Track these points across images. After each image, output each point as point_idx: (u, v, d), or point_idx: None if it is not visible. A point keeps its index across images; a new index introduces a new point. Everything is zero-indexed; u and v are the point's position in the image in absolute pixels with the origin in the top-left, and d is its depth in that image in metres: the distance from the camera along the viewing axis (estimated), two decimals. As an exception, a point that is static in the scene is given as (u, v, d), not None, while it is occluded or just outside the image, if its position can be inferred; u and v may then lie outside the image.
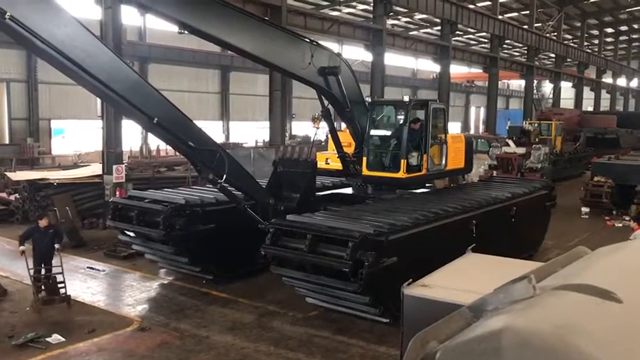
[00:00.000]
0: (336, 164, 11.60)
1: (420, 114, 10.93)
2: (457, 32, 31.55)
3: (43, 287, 8.79)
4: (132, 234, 10.26)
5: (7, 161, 22.29)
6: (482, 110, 52.77)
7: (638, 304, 2.66)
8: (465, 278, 5.01)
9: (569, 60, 44.61)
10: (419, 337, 2.68)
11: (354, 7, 38.99)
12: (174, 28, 8.54)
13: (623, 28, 52.66)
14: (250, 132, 35.41)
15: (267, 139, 23.59)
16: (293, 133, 34.02)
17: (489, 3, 34.73)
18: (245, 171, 9.47)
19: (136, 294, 9.84)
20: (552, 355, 2.14)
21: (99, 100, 14.62)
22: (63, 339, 7.70)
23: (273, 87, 19.40)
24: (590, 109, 48.43)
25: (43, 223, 9.25)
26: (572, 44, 46.67)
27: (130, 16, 20.73)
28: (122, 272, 11.16)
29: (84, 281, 10.41)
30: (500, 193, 11.18)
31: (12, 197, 15.88)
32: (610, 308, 2.52)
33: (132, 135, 25.33)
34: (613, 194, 17.70)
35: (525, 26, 36.91)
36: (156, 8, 8.01)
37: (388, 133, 11.25)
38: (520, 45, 43.00)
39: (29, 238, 9.18)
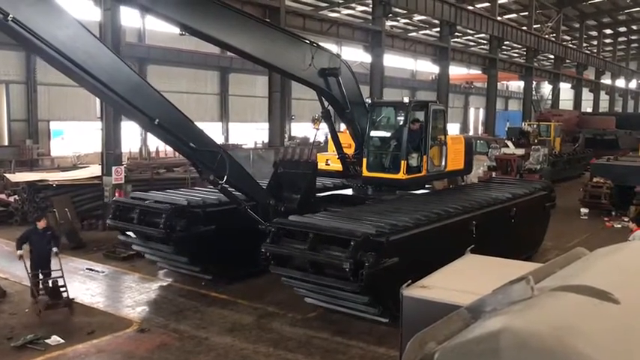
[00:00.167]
0: (337, 165, 11.62)
1: (420, 115, 10.95)
2: (456, 33, 31.58)
3: (45, 292, 8.71)
4: (132, 234, 10.27)
5: (7, 163, 22.26)
6: (482, 111, 52.80)
7: (636, 305, 2.67)
8: (464, 279, 5.02)
9: (568, 61, 44.65)
10: (417, 338, 2.69)
11: (353, 8, 39.01)
12: (173, 30, 8.56)
13: (622, 29, 52.72)
14: (249, 133, 35.40)
15: (266, 140, 23.58)
16: (292, 134, 34.00)
17: (488, 4, 34.76)
18: (246, 172, 9.48)
19: (135, 295, 9.84)
20: (550, 356, 2.15)
21: (98, 102, 14.61)
22: (62, 340, 7.69)
23: (272, 88, 19.40)
24: (589, 110, 48.48)
25: (41, 224, 9.24)
26: (571, 45, 46.71)
27: (129, 18, 20.78)
28: (121, 273, 11.16)
29: (83, 282, 10.41)
30: (500, 194, 11.20)
31: (11, 199, 15.86)
32: (608, 309, 2.53)
33: (131, 136, 25.32)
34: (612, 195, 17.73)
35: (524, 27, 36.96)
36: (156, 9, 8.03)
37: (388, 134, 11.27)
38: (519, 46, 43.04)
39: (27, 241, 9.15)
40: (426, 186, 11.92)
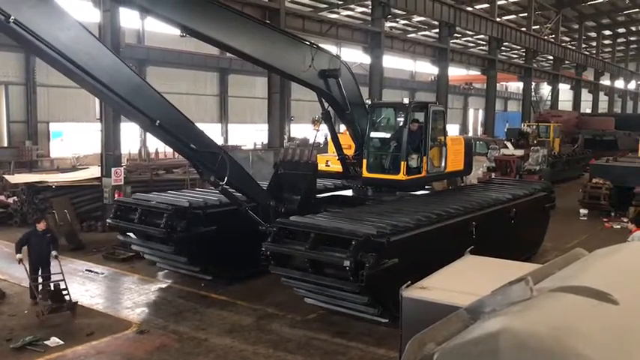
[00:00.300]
0: (337, 166, 11.65)
1: (420, 116, 10.97)
2: (455, 35, 31.58)
3: (47, 295, 8.63)
4: (132, 235, 10.28)
5: (6, 164, 22.26)
6: (481, 112, 52.82)
7: (635, 306, 2.67)
8: (464, 280, 5.02)
9: (567, 62, 44.67)
10: (416, 339, 2.69)
11: (352, 9, 39.02)
12: (173, 31, 8.57)
13: (621, 30, 52.76)
14: (249, 134, 35.40)
15: (265, 141, 23.58)
16: (292, 135, 34.01)
17: (487, 5, 34.78)
18: (246, 173, 9.50)
19: (134, 297, 9.83)
20: (549, 356, 2.15)
21: (97, 103, 14.63)
22: (61, 342, 7.69)
23: (271, 89, 19.40)
24: (589, 111, 48.55)
25: (40, 226, 9.24)
26: (570, 46, 46.74)
27: (129, 19, 20.79)
28: (121, 275, 11.16)
29: (82, 284, 10.40)
30: (500, 195, 11.22)
31: (10, 200, 15.87)
32: (607, 310, 2.53)
33: (130, 138, 25.32)
34: (611, 196, 17.74)
35: (523, 28, 36.97)
36: (156, 11, 8.03)
37: (388, 135, 11.28)
38: (518, 47, 43.05)
39: (26, 244, 9.13)
40: (426, 187, 11.93)
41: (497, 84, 39.34)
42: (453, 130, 49.47)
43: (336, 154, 11.47)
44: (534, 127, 28.65)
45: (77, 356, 7.37)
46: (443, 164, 11.38)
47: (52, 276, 8.95)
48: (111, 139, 14.59)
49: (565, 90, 47.71)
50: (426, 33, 45.02)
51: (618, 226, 16.11)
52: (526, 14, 38.50)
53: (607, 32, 52.76)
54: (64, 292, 8.71)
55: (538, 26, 40.37)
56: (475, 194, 11.30)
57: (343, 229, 7.67)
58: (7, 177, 17.07)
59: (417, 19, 40.98)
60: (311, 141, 22.72)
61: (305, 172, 10.09)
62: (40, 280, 9.00)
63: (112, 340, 7.89)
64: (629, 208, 16.63)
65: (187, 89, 33.40)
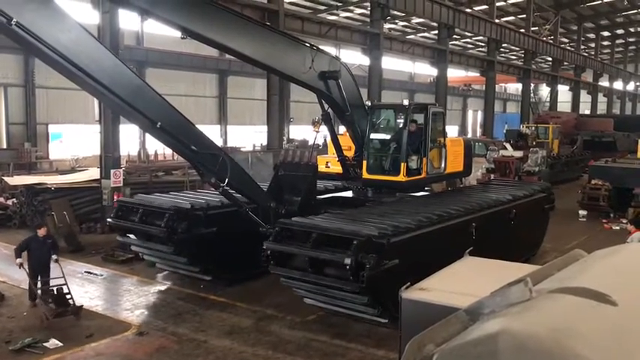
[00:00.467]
0: (337, 168, 11.66)
1: (420, 118, 10.98)
2: (454, 36, 31.57)
3: (50, 299, 8.59)
4: (132, 236, 10.27)
5: (5, 166, 22.25)
6: (480, 114, 52.85)
7: (634, 307, 2.68)
8: (463, 281, 5.02)
9: (565, 63, 44.71)
10: (416, 340, 2.69)
11: (351, 11, 39.06)
12: (172, 33, 8.57)
13: (620, 31, 52.83)
14: (248, 136, 35.40)
15: (265, 143, 23.58)
16: (291, 136, 34.00)
17: (486, 7, 34.79)
18: (247, 175, 9.52)
19: (133, 298, 9.83)
20: (548, 357, 2.15)
21: (97, 105, 14.62)
22: (60, 344, 7.69)
23: (270, 91, 19.39)
24: (587, 112, 48.58)
25: (41, 232, 9.20)
26: (568, 48, 46.78)
27: (128, 21, 20.79)
28: (120, 277, 11.15)
29: (82, 286, 10.39)
30: (500, 196, 11.25)
31: (9, 202, 15.85)
32: (605, 311, 2.53)
33: (130, 139, 25.30)
34: (610, 197, 17.75)
35: (522, 30, 37.00)
36: (156, 12, 8.02)
37: (388, 136, 11.30)
38: (517, 48, 43.08)
39: (26, 249, 9.09)
40: (425, 188, 11.94)
41: (496, 85, 39.36)
42: (452, 131, 49.45)
43: (336, 155, 11.49)
44: (533, 128, 28.69)
45: (76, 358, 7.37)
46: (443, 165, 11.39)
47: (54, 280, 8.89)
48: (110, 141, 14.58)
49: (564, 91, 47.77)
50: (425, 34, 45.07)
51: (617, 228, 16.13)
52: (525, 16, 38.56)
53: (606, 33, 52.83)
54: (68, 296, 8.68)
55: (537, 28, 40.41)
56: (475, 195, 11.32)
57: (345, 229, 7.69)
58: (6, 179, 17.06)
59: (415, 20, 41.01)
60: (310, 142, 22.68)
61: (305, 174, 10.11)
62: (40, 284, 8.95)
63: (112, 341, 7.89)
64: (628, 209, 16.65)
65: (186, 91, 33.40)
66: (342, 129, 12.67)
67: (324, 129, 11.55)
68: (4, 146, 26.27)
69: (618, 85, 56.86)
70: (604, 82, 53.35)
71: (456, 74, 47.22)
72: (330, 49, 21.76)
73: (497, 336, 2.29)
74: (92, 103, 16.69)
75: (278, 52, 9.60)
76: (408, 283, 4.89)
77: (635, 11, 44.81)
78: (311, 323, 8.62)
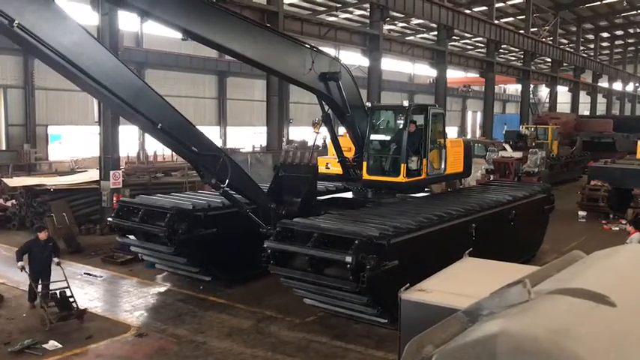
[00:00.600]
0: (337, 169, 11.67)
1: (420, 119, 10.99)
2: (453, 37, 31.58)
3: (54, 303, 8.54)
4: (132, 236, 10.27)
5: (4, 167, 22.24)
6: (479, 115, 52.89)
7: (632, 308, 2.68)
8: (462, 282, 5.03)
9: (565, 64, 44.74)
10: (415, 341, 2.70)
11: (350, 12, 39.07)
12: (171, 34, 8.57)
13: (619, 32, 52.87)
14: (247, 137, 35.41)
15: (264, 144, 23.58)
16: (290, 138, 34.01)
17: (485, 8, 34.81)
18: (247, 176, 9.54)
19: (133, 300, 9.82)
20: (547, 359, 2.16)
21: (96, 106, 14.62)
22: (60, 345, 7.68)
23: (270, 92, 19.40)
24: (587, 113, 48.61)
25: (42, 235, 9.16)
26: (568, 49, 46.80)
27: (127, 22, 20.76)
28: (119, 278, 11.14)
29: (81, 287, 10.37)
30: (500, 197, 11.27)
31: (9, 203, 15.85)
32: (604, 312, 2.53)
33: (129, 140, 25.31)
34: (609, 198, 17.75)
35: (521, 31, 37.02)
36: (156, 14, 8.04)
37: (388, 137, 11.30)
38: (516, 49, 43.12)
39: (27, 252, 9.05)
40: (425, 189, 11.95)
41: (496, 86, 39.39)
42: (451, 132, 49.41)
43: (336, 156, 11.50)
44: (532, 129, 28.70)
45: (76, 360, 7.36)
46: (443, 166, 11.40)
47: (56, 283, 8.84)
48: (109, 142, 14.59)
49: (563, 92, 47.75)
50: (425, 35, 45.11)
51: (617, 228, 16.14)
52: (524, 17, 38.58)
53: (605, 34, 52.88)
54: (71, 300, 8.65)
55: (536, 29, 40.44)
56: (475, 196, 11.34)
57: (345, 230, 7.71)
58: (5, 180, 17.05)
59: (415, 21, 41.05)
60: (310, 143, 22.62)
61: (305, 175, 10.13)
62: (41, 287, 8.89)
63: (111, 343, 7.88)
64: (628, 210, 16.65)
65: (186, 92, 33.41)
66: (341, 130, 12.67)
67: (323, 130, 11.57)
68: (4, 147, 26.26)
69: (617, 86, 56.90)
70: (603, 83, 53.39)
71: (455, 75, 47.24)
72: (330, 51, 21.76)
73: (496, 337, 2.30)
74: (91, 105, 16.70)
75: (278, 54, 9.62)
76: (408, 284, 4.89)
77: (634, 12, 44.82)
78: (310, 324, 8.62)
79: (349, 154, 11.49)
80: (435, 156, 11.17)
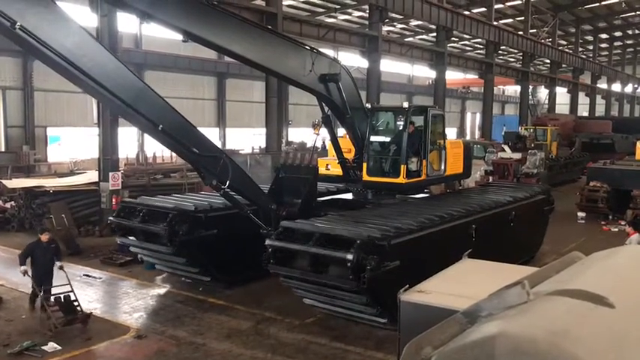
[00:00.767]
0: (337, 170, 11.68)
1: (419, 120, 11.01)
2: (452, 38, 31.63)
3: (58, 307, 8.47)
4: (132, 237, 10.27)
5: (3, 169, 22.21)
6: (478, 116, 52.88)
7: (631, 309, 2.68)
8: (461, 284, 5.03)
9: (564, 66, 44.79)
10: (413, 342, 2.70)
11: (349, 14, 39.08)
12: (170, 35, 8.57)
13: (618, 33, 52.92)
14: (247, 138, 35.39)
15: (263, 145, 23.58)
16: (289, 139, 34.01)
17: (484, 9, 34.84)
18: (248, 177, 9.55)
19: (132, 301, 9.81)
20: (545, 360, 2.16)
21: (95, 108, 14.64)
22: (59, 347, 7.67)
23: (269, 94, 19.41)
24: (586, 114, 48.63)
25: (44, 237, 9.12)
26: (566, 50, 46.86)
27: (126, 24, 20.77)
28: (118, 280, 11.13)
29: (80, 289, 10.33)
30: (500, 198, 11.29)
31: (8, 205, 15.84)
32: (603, 313, 2.54)
33: (128, 142, 25.29)
34: (609, 199, 17.75)
35: (520, 32, 37.06)
36: (157, 15, 8.04)
37: (388, 139, 11.32)
38: (515, 51, 43.14)
39: (30, 255, 8.96)
40: (425, 191, 11.96)
41: (495, 87, 39.42)
42: (450, 133, 49.40)
43: (336, 157, 11.52)
44: (532, 130, 28.71)
45: (75, 361, 7.35)
46: (442, 167, 11.42)
47: (59, 287, 8.77)
48: (108, 144, 14.58)
49: (562, 93, 47.79)
50: (424, 37, 45.12)
51: (616, 229, 16.15)
52: (523, 18, 38.62)
53: (604, 36, 52.93)
54: (75, 304, 8.59)
55: (535, 30, 40.49)
56: (475, 197, 11.36)
57: (347, 230, 7.72)
58: (4, 182, 17.04)
59: (414, 23, 41.06)
60: (309, 145, 22.59)
61: (306, 176, 10.15)
62: (43, 292, 8.78)
63: (110, 345, 7.87)
64: (627, 211, 16.66)
65: (185, 93, 33.37)
66: (341, 131, 12.68)
67: (323, 131, 11.57)
68: (3, 149, 26.22)
69: (616, 87, 56.96)
70: (602, 85, 53.44)
71: (454, 76, 47.19)
72: (329, 52, 21.77)
73: (495, 339, 2.30)
74: (90, 106, 16.73)
75: (279, 55, 9.63)
76: (407, 286, 4.90)
77: (633, 14, 44.89)
78: (310, 326, 8.61)
79: (349, 156, 11.50)
80: (434, 157, 11.18)
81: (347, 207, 10.37)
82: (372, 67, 23.92)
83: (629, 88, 60.60)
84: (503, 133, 32.40)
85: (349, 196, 11.62)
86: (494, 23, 33.60)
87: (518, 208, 11.34)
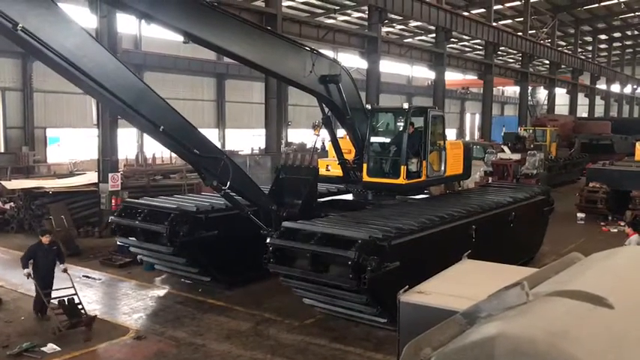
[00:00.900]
0: (337, 171, 11.70)
1: (419, 121, 11.02)
2: (452, 39, 31.68)
3: (62, 310, 8.43)
4: (132, 238, 10.27)
5: (3, 170, 22.21)
6: (478, 117, 52.94)
7: (631, 310, 2.68)
8: (461, 285, 5.03)
9: (563, 66, 44.83)
10: (413, 343, 2.70)
11: (349, 15, 39.11)
12: (170, 36, 8.57)
13: (617, 34, 52.99)
14: (246, 139, 35.41)
15: (263, 146, 23.58)
16: (289, 140, 34.03)
17: (484, 10, 34.89)
18: (249, 178, 9.55)
19: (131, 302, 9.81)
20: (545, 361, 2.16)
21: (94, 108, 14.64)
22: (58, 348, 7.67)
23: (268, 94, 19.41)
24: (585, 115, 48.68)
25: (45, 240, 9.09)
26: (566, 51, 46.89)
27: (126, 24, 20.78)
28: (118, 281, 11.13)
29: (80, 290, 10.29)
30: (500, 199, 11.30)
31: (7, 206, 15.83)
32: (602, 314, 2.54)
33: (128, 143, 25.29)
34: (608, 200, 17.76)
35: (519, 33, 37.10)
36: (157, 17, 8.04)
37: (388, 139, 11.33)
38: (514, 52, 43.21)
39: (33, 258, 8.91)
40: (424, 191, 11.97)
41: (494, 88, 39.42)
42: (450, 134, 49.37)
43: (336, 158, 11.53)
44: (531, 131, 28.72)
45: (74, 363, 7.35)
46: (442, 168, 11.43)
47: (63, 290, 8.71)
48: (108, 145, 14.58)
49: (561, 94, 47.83)
50: (423, 38, 45.17)
51: (615, 230, 16.16)
52: (522, 19, 38.65)
53: (603, 36, 53.00)
54: (79, 307, 8.57)
55: (534, 31, 40.54)
56: (475, 198, 11.38)
57: (347, 231, 7.74)
58: (3, 183, 17.04)
59: (413, 24, 41.10)
60: (309, 146, 22.61)
61: (306, 177, 10.16)
62: (50, 294, 8.75)
63: (110, 346, 7.87)
64: (626, 211, 16.67)
65: (184, 94, 33.40)
66: (341, 132, 12.69)
67: (323, 132, 11.58)
68: (2, 150, 26.22)
69: (615, 87, 57.01)
70: (601, 85, 53.49)
71: (453, 77, 47.23)
72: (328, 53, 21.78)
73: (494, 339, 2.30)
74: (90, 107, 16.72)
75: (279, 56, 9.63)
76: (407, 286, 4.90)
77: (632, 14, 44.94)
78: (309, 327, 8.61)
79: (349, 157, 11.51)
80: (434, 158, 11.20)
81: (347, 208, 10.38)
82: (372, 67, 23.93)
83: (628, 89, 60.65)
84: (502, 134, 32.39)
85: (349, 197, 11.63)
86: (494, 24, 33.64)
87: (518, 208, 11.35)
